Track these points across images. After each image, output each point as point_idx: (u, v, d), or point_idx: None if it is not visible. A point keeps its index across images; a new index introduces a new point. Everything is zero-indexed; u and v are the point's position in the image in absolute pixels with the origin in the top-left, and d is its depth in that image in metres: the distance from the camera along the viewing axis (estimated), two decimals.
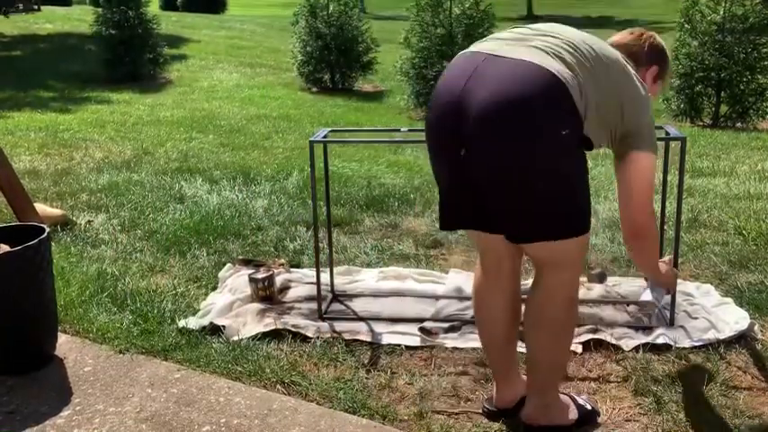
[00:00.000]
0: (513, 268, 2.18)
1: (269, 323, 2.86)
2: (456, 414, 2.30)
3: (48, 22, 17.42)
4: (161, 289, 3.22)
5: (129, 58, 10.66)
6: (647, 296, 2.54)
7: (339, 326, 2.88)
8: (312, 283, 3.16)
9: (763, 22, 8.20)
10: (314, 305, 3.01)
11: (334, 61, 10.60)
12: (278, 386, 2.46)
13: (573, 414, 2.22)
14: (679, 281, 2.94)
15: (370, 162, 5.65)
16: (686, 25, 8.56)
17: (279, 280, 3.23)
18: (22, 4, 19.21)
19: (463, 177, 1.96)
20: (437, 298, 3.13)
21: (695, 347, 2.67)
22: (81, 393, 2.42)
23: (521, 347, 2.33)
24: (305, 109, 8.87)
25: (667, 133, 2.74)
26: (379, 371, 2.56)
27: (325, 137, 2.91)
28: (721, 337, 2.70)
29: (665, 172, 2.94)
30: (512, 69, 1.87)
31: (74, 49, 13.66)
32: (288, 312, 2.99)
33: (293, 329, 2.81)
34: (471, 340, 2.73)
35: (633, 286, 3.18)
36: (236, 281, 3.26)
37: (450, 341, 2.76)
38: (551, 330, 2.09)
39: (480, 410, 2.30)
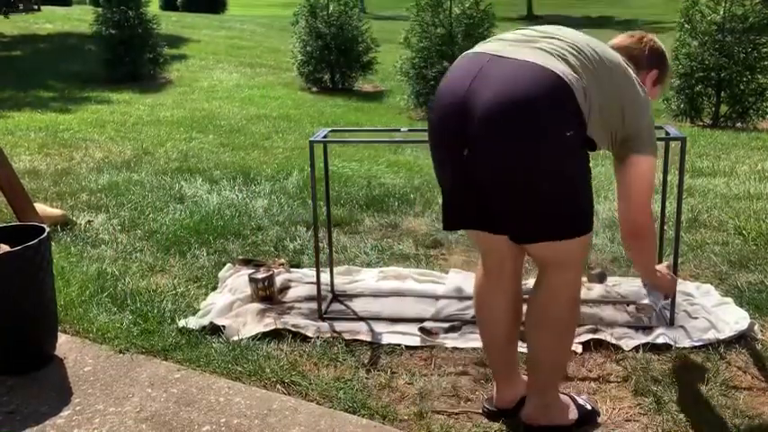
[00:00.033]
0: (515, 269, 2.18)
1: (269, 323, 2.86)
2: (456, 414, 2.30)
3: (48, 22, 17.43)
4: (161, 289, 3.22)
5: (129, 58, 10.66)
6: (644, 299, 2.55)
7: (339, 326, 2.88)
8: (312, 282, 3.16)
9: (763, 22, 8.20)
10: (314, 305, 3.01)
11: (335, 61, 10.60)
12: (278, 386, 2.46)
13: (573, 414, 2.22)
14: (679, 281, 2.94)
15: (370, 162, 5.64)
16: (686, 25, 8.56)
17: (279, 280, 3.23)
18: (22, 4, 19.23)
19: (467, 178, 1.96)
20: (437, 298, 3.13)
21: (695, 347, 2.67)
22: (81, 393, 2.42)
23: (521, 347, 2.34)
24: (305, 109, 8.87)
25: (667, 133, 2.74)
26: (379, 371, 2.55)
27: (325, 137, 2.91)
28: (721, 336, 2.71)
29: (665, 172, 2.94)
30: (516, 70, 1.87)
31: (74, 49, 13.66)
32: (288, 312, 2.99)
33: (293, 329, 2.81)
34: (471, 340, 2.73)
35: (633, 286, 3.18)
36: (236, 281, 3.26)
37: (451, 341, 2.76)
38: (554, 330, 2.09)
39: (480, 410, 2.30)
